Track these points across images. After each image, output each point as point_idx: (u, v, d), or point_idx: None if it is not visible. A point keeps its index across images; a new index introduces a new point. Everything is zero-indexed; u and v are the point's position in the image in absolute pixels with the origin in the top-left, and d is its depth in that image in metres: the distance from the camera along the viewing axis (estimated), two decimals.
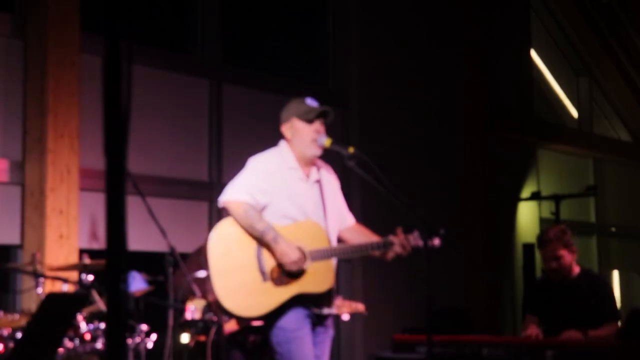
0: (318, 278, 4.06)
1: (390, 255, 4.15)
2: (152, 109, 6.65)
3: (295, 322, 4.02)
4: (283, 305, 4.00)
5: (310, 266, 4.03)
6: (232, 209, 4.01)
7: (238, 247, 4.01)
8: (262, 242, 4.00)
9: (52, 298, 3.91)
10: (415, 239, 4.08)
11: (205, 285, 4.94)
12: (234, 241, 4.01)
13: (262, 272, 4.00)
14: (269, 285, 4.00)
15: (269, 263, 4.01)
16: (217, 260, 3.99)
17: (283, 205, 4.06)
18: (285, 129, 4.18)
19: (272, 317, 4.02)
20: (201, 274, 4.93)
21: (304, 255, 4.01)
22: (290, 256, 3.97)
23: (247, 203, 3.99)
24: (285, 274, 4.01)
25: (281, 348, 4.03)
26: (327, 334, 4.21)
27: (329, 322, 4.21)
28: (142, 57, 6.49)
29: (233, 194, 4.03)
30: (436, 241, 3.92)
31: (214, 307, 4.68)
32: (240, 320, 4.75)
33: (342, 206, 4.37)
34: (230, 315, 4.20)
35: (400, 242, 4.10)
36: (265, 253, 4.02)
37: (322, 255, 4.07)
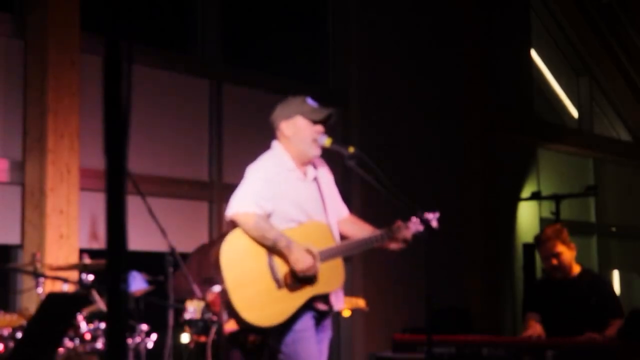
0: (329, 278, 4.07)
1: (394, 246, 4.15)
2: (152, 109, 6.65)
3: (301, 322, 4.03)
4: (299, 309, 4.01)
5: (320, 267, 4.03)
6: (241, 222, 3.98)
7: (250, 258, 3.99)
8: (274, 250, 3.98)
9: (52, 298, 3.91)
10: (415, 225, 4.09)
11: (218, 298, 4.93)
12: (245, 253, 3.99)
13: (276, 280, 3.99)
14: (284, 292, 3.99)
15: (281, 270, 4.00)
16: (231, 273, 3.96)
17: (287, 209, 4.05)
18: (285, 125, 4.13)
19: (289, 321, 4.02)
20: (216, 288, 4.91)
21: (314, 258, 4.00)
22: (304, 263, 3.95)
23: (255, 214, 3.96)
24: (298, 279, 4.00)
25: (287, 348, 4.02)
26: (326, 334, 4.21)
27: (328, 322, 4.21)
28: (142, 57, 6.49)
29: (240, 207, 3.99)
30: (430, 215, 4.02)
31: (219, 309, 4.67)
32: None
33: (338, 199, 4.37)
34: (252, 328, 4.16)
35: (401, 231, 4.10)
36: (277, 260, 4.00)
37: (331, 254, 4.07)
